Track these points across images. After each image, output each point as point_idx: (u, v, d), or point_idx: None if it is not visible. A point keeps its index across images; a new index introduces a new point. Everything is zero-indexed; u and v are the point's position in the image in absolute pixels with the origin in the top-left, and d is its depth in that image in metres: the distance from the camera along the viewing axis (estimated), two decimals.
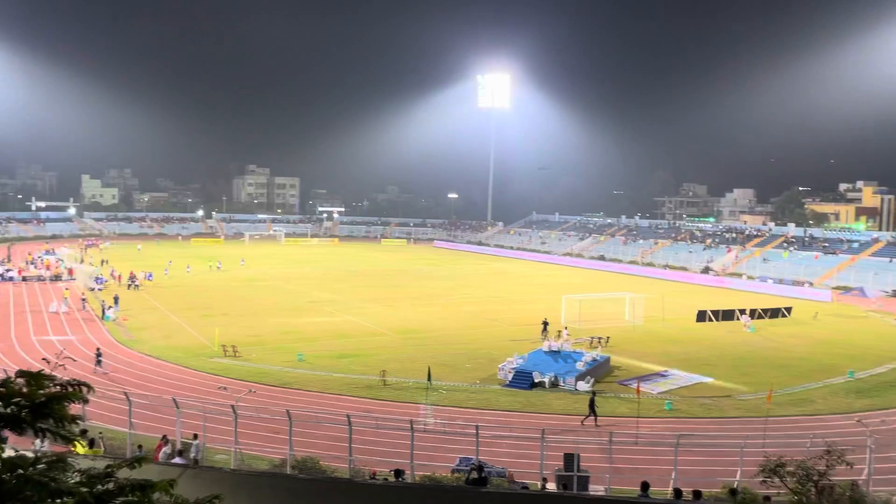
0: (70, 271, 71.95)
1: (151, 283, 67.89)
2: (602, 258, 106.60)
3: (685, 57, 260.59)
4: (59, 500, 5.00)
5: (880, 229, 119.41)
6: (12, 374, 5.61)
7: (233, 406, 22.06)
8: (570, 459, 20.32)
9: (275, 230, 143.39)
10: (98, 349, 36.77)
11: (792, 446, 21.70)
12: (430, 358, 37.57)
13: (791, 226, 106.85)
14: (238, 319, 50.23)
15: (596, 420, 28.02)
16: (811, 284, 76.97)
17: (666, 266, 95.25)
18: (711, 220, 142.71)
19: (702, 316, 53.57)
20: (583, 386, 33.37)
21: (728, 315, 54.03)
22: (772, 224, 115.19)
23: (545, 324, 46.10)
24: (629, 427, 27.09)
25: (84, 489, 5.14)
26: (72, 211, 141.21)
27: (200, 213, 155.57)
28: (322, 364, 37.43)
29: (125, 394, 23.37)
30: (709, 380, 36.04)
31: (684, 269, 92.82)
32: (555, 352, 36.86)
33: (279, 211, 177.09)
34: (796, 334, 49.84)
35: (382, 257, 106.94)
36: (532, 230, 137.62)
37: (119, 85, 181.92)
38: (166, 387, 31.94)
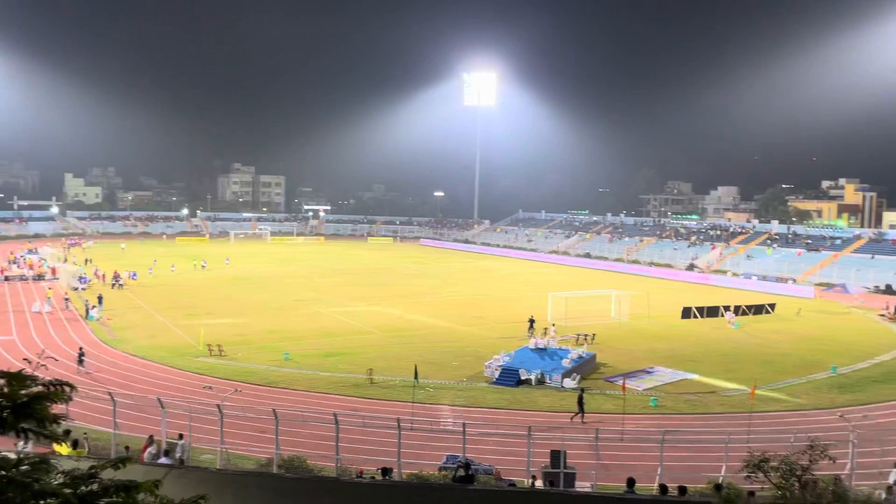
0: (53, 271, 71.27)
1: (136, 283, 67.39)
2: (588, 256, 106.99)
3: (670, 56, 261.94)
4: (42, 502, 4.97)
5: (862, 226, 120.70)
6: None
7: (218, 405, 21.95)
8: (556, 456, 20.39)
9: (260, 229, 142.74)
10: (80, 349, 36.45)
11: (776, 442, 21.92)
12: (416, 356, 37.54)
13: (774, 223, 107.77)
14: (223, 318, 49.96)
15: (583, 417, 28.14)
16: (794, 281, 77.67)
17: (651, 263, 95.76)
18: (696, 217, 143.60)
19: (687, 313, 53.93)
20: (569, 383, 33.49)
21: (713, 312, 54.43)
22: (755, 221, 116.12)
23: (531, 321, 46.22)
24: (615, 423, 27.22)
25: (68, 490, 5.11)
26: (54, 210, 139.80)
27: (185, 211, 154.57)
28: (308, 363, 37.32)
29: (109, 394, 23.20)
30: (694, 376, 36.29)
31: (669, 266, 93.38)
32: (541, 349, 37.02)
33: (264, 209, 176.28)
34: (780, 330, 50.28)
35: (369, 256, 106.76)
36: (518, 228, 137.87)
37: (102, 83, 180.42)
38: (151, 386, 31.73)
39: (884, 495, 19.23)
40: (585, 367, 36.21)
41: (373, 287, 69.04)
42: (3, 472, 4.95)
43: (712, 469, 21.48)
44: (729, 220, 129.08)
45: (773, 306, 57.87)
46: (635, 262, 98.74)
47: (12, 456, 5.31)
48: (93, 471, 5.38)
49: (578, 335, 43.87)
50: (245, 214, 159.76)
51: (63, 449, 18.86)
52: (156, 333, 44.59)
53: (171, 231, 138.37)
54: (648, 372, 36.87)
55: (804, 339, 47.58)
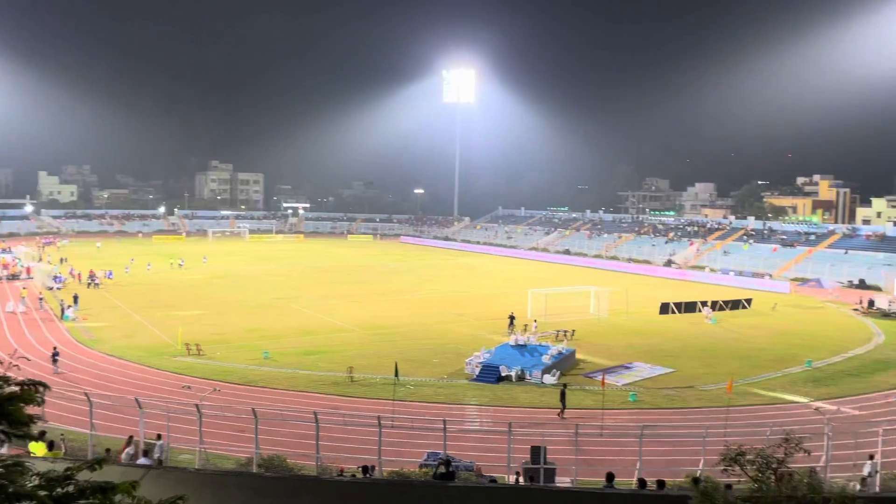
0: (27, 270, 70.22)
1: (112, 282, 66.62)
2: (567, 252, 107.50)
3: (647, 54, 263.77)
4: None
5: (836, 222, 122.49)
6: None
7: (197, 405, 21.78)
8: (536, 452, 20.50)
9: (239, 227, 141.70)
10: (55, 348, 36.00)
11: (752, 435, 22.20)
12: (397, 353, 37.53)
13: (751, 219, 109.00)
14: (201, 317, 49.57)
15: (562, 412, 28.30)
16: (770, 276, 78.64)
17: (629, 259, 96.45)
18: (673, 214, 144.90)
19: (665, 308, 54.41)
20: (549, 379, 33.66)
21: (690, 307, 54.96)
22: (732, 217, 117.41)
23: (512, 318, 46.38)
24: (594, 419, 27.42)
25: (43, 492, 5.05)
26: (28, 208, 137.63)
27: (162, 210, 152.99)
28: (288, 361, 37.15)
29: (86, 394, 22.92)
30: (672, 371, 36.62)
31: (647, 262, 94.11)
32: (521, 346, 37.15)
33: (243, 207, 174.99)
34: (756, 325, 50.90)
35: (348, 253, 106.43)
36: (498, 225, 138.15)
37: (76, 79, 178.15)
38: (128, 387, 31.40)
39: (858, 486, 19.57)
40: (565, 364, 36.40)
41: (353, 285, 68.84)
42: None
43: (690, 463, 21.71)
44: (706, 216, 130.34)
45: (749, 301, 58.58)
46: (614, 258, 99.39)
47: None
48: (68, 472, 5.32)
49: (558, 331, 44.09)
50: (223, 212, 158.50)
51: (39, 450, 18.63)
52: (133, 333, 44.12)
53: (148, 230, 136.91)
54: (627, 367, 37.16)
55: (780, 333, 48.21)
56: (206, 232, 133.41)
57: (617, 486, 17.08)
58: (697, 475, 18.97)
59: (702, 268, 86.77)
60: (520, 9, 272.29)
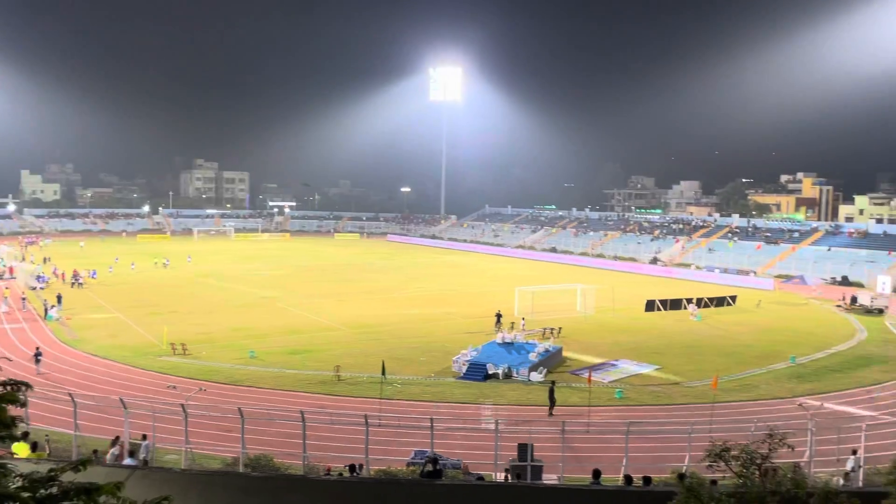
0: (10, 270, 69.46)
1: (96, 281, 66.10)
2: (554, 250, 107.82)
3: (633, 53, 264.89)
4: None
5: (819, 219, 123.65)
6: None
7: (183, 405, 21.65)
8: (523, 449, 20.54)
9: (224, 226, 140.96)
10: (37, 348, 35.66)
11: (737, 431, 22.37)
12: (384, 352, 37.51)
13: (735, 216, 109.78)
14: (187, 317, 49.29)
15: (551, 410, 28.39)
16: (755, 273, 79.25)
17: (615, 257, 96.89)
18: (659, 211, 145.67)
19: (650, 306, 54.69)
20: (536, 376, 33.75)
21: (676, 304, 55.29)
22: (717, 215, 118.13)
23: (499, 316, 46.47)
24: (581, 416, 27.53)
25: (26, 494, 5.01)
26: (11, 207, 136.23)
27: (146, 208, 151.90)
28: (274, 360, 37.00)
29: (70, 395, 22.72)
30: (657, 368, 36.83)
31: (633, 259, 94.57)
32: (508, 343, 37.21)
33: (228, 206, 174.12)
34: (741, 322, 51.28)
35: (335, 252, 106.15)
36: (485, 223, 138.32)
37: (59, 76, 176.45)
38: (113, 387, 31.17)
39: (841, 481, 19.78)
40: (552, 361, 36.51)
41: (339, 283, 68.69)
42: None
43: (676, 459, 21.84)
44: (691, 214, 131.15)
45: (734, 298, 59.00)
46: (600, 255, 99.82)
47: None
48: (52, 474, 5.28)
49: (545, 329, 44.21)
50: (208, 211, 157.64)
51: (22, 451, 18.47)
52: (117, 333, 43.79)
53: (132, 229, 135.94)
54: (613, 364, 37.33)
55: (764, 330, 48.60)
56: (191, 231, 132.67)
57: (603, 483, 17.18)
58: (683, 471, 19.08)
59: (687, 265, 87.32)
60: (506, 7, 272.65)
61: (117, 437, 21.23)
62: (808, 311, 58.15)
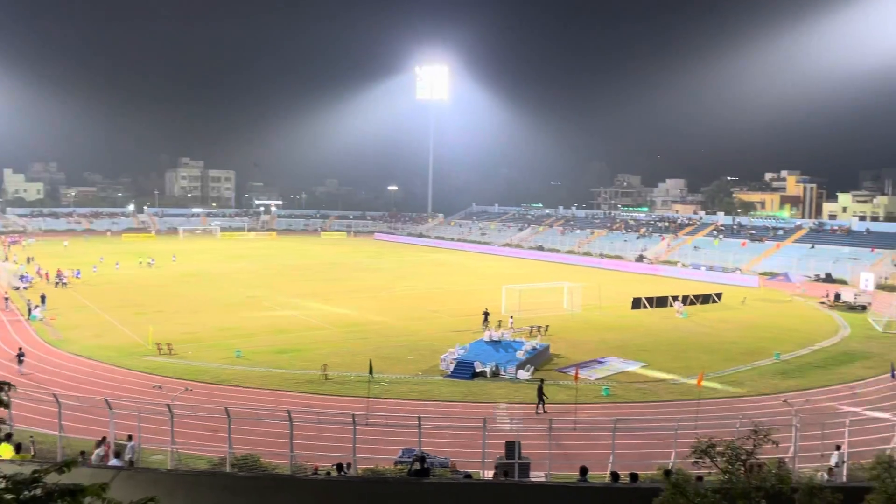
0: None
1: (80, 281, 65.56)
2: (541, 248, 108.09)
3: (619, 52, 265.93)
4: None
5: (803, 216, 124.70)
6: None
7: (168, 405, 21.53)
8: (511, 447, 20.60)
9: (210, 225, 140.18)
10: (20, 349, 35.32)
11: (722, 427, 22.54)
12: (371, 351, 37.46)
13: (720, 214, 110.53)
14: (173, 316, 48.99)
15: (537, 407, 28.46)
16: (740, 271, 79.82)
17: (602, 255, 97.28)
18: (645, 209, 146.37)
19: (637, 303, 54.96)
20: (523, 374, 33.83)
21: (662, 302, 55.59)
22: (702, 213, 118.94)
23: (486, 314, 46.54)
24: (568, 413, 27.64)
25: (9, 496, 4.97)
26: None
27: (131, 207, 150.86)
28: (261, 360, 36.85)
29: (54, 396, 22.53)
30: (644, 365, 37.02)
31: (619, 257, 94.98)
32: (496, 342, 37.27)
33: (214, 205, 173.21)
34: (726, 319, 51.64)
35: (322, 250, 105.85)
36: (472, 221, 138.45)
37: (43, 74, 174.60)
38: (98, 387, 30.94)
39: (826, 476, 19.98)
40: (539, 359, 36.62)
41: (326, 282, 68.52)
42: None
43: (662, 456, 21.98)
44: (677, 211, 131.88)
45: (719, 296, 59.40)
46: (587, 253, 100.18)
47: None
48: (36, 475, 5.24)
49: (532, 327, 44.31)
50: (194, 210, 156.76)
51: (6, 452, 18.31)
52: (102, 333, 43.45)
53: (117, 228, 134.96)
54: (600, 362, 37.48)
55: (749, 327, 48.96)
56: (176, 230, 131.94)
57: (590, 480, 17.26)
58: (669, 467, 19.22)
59: (673, 263, 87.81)
60: (493, 7, 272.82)
61: (104, 438, 21.08)
62: (793, 307, 58.64)
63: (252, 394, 30.96)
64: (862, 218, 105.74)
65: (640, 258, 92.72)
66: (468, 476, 18.90)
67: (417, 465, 17.15)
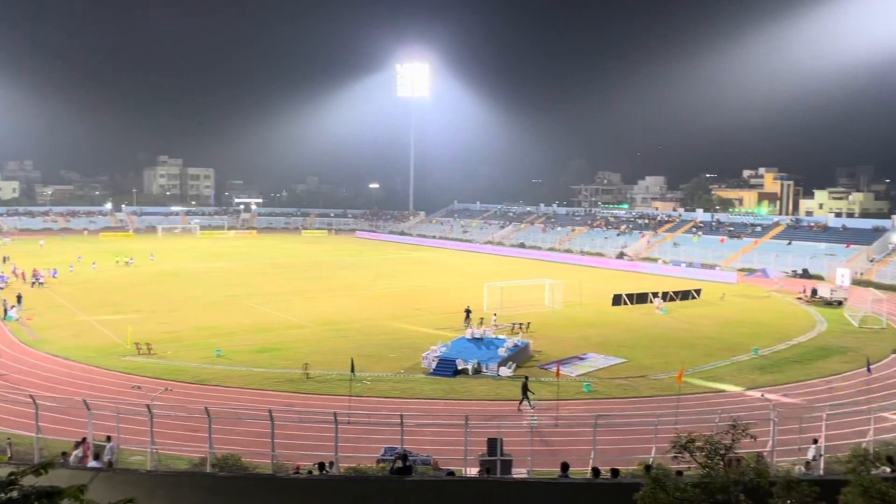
0: None
1: (56, 281, 64.74)
2: (522, 245, 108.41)
3: (598, 50, 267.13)
4: None
5: (780, 213, 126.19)
6: None
7: (148, 405, 21.34)
8: (493, 444, 20.67)
9: (190, 223, 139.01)
10: None
11: (702, 422, 22.77)
12: (353, 349, 37.39)
13: (699, 211, 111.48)
14: (151, 316, 48.54)
15: (521, 404, 28.57)
16: (719, 267, 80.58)
17: (583, 252, 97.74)
18: (625, 207, 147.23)
19: (617, 300, 55.31)
20: (505, 371, 33.94)
21: (642, 298, 55.98)
22: (681, 210, 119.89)
23: (468, 311, 46.61)
24: (550, 410, 27.77)
25: None
26: None
27: (109, 206, 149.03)
28: (241, 359, 36.64)
29: (31, 397, 22.25)
30: (624, 361, 37.27)
31: (600, 254, 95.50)
32: (477, 339, 37.34)
33: (193, 203, 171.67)
34: (705, 315, 52.13)
35: (303, 249, 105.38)
36: (454, 219, 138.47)
37: (17, 70, 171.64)
38: (76, 388, 30.60)
39: (803, 470, 20.27)
40: (521, 356, 36.74)
41: (307, 280, 68.23)
42: None
43: (643, 451, 22.15)
44: (656, 209, 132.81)
45: (698, 292, 59.95)
46: (568, 251, 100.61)
47: None
48: (13, 477, 5.17)
49: (513, 324, 44.44)
50: (173, 208, 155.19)
51: None
52: (80, 333, 42.95)
53: (95, 227, 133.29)
54: (582, 358, 37.69)
55: (728, 322, 49.47)
56: (155, 228, 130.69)
57: (572, 476, 17.35)
58: (649, 463, 19.39)
59: (653, 259, 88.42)
60: (473, 4, 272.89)
61: (83, 439, 20.84)
62: (771, 303, 59.32)
63: (233, 393, 30.78)
64: (838, 214, 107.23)
65: (621, 255, 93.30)
66: (451, 473, 18.94)
67: (400, 463, 17.15)
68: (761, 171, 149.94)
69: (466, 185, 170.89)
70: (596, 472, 18.16)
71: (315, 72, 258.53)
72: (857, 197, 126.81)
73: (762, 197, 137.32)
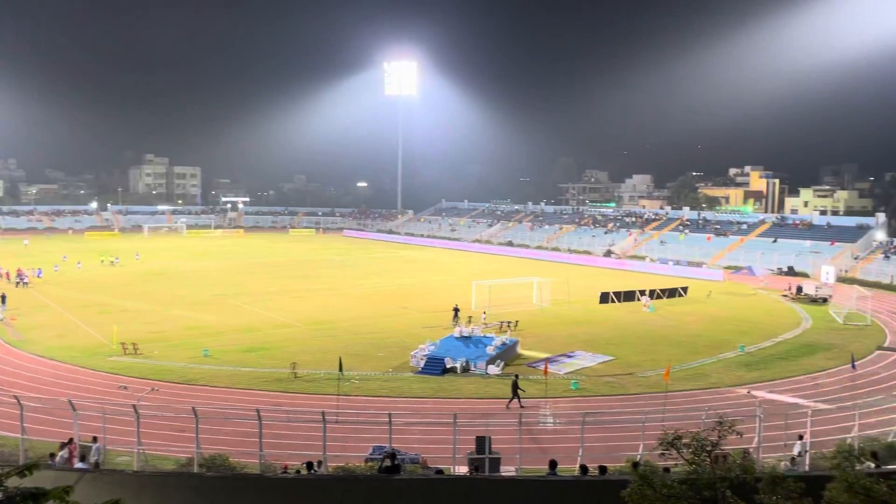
0: None
1: (41, 280, 64.18)
2: (510, 244, 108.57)
3: (585, 49, 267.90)
4: None
5: (766, 211, 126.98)
6: None
7: (134, 406, 21.20)
8: (481, 442, 20.69)
9: (176, 222, 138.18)
10: None
11: (689, 419, 22.89)
12: (341, 348, 37.31)
13: (686, 209, 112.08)
14: (138, 315, 48.22)
15: (510, 402, 28.62)
16: (706, 265, 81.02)
17: (570, 250, 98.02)
18: (612, 205, 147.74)
19: (604, 298, 55.50)
20: (493, 370, 33.99)
21: (629, 296, 56.21)
22: (668, 208, 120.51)
23: (456, 310, 46.62)
24: (538, 408, 27.82)
25: None
26: None
27: (94, 205, 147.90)
28: (229, 359, 36.47)
29: (16, 397, 22.04)
30: (612, 359, 37.41)
31: (588, 252, 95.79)
32: (466, 337, 37.38)
33: (180, 202, 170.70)
34: (692, 312, 52.41)
35: (290, 248, 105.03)
36: (442, 217, 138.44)
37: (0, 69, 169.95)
38: (62, 388, 30.34)
39: (788, 466, 20.43)
40: (509, 354, 36.80)
41: (295, 280, 68.01)
42: None
43: (630, 448, 22.25)
44: (643, 207, 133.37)
45: (685, 290, 60.27)
46: (555, 249, 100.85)
47: None
48: None
49: (502, 322, 44.50)
50: (159, 207, 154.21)
51: None
52: (65, 333, 42.60)
53: (80, 226, 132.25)
54: (569, 356, 37.80)
55: (714, 320, 49.77)
56: (141, 228, 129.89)
57: (560, 473, 17.40)
58: (637, 460, 19.47)
59: (640, 258, 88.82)
60: (460, 3, 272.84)
61: (70, 440, 20.68)
62: (756, 300, 59.72)
63: (220, 393, 30.64)
64: (822, 212, 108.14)
65: (608, 253, 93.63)
66: (439, 472, 18.94)
67: (388, 462, 17.12)
68: (747, 169, 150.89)
69: (454, 183, 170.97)
70: (584, 469, 18.21)
71: (302, 70, 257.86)
72: (841, 195, 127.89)
73: (748, 195, 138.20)
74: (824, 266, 71.23)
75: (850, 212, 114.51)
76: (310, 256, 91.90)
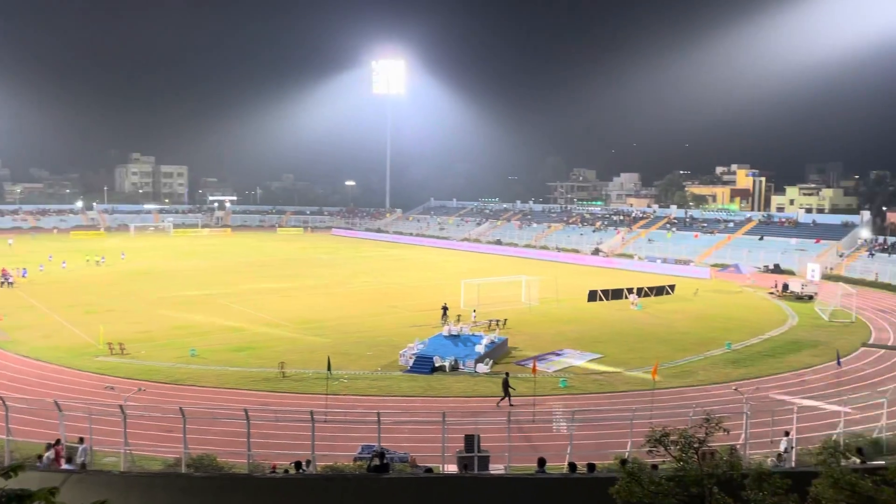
0: None
1: (27, 280, 63.62)
2: (499, 242, 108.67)
3: (573, 48, 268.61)
4: None
5: (752, 209, 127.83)
6: None
7: (121, 406, 21.07)
8: (470, 440, 20.70)
9: (163, 221, 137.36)
10: None
11: (676, 416, 23.02)
12: (329, 347, 37.22)
13: (673, 208, 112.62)
14: (124, 315, 47.90)
15: (501, 401, 28.66)
16: (693, 263, 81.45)
17: (559, 249, 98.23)
18: (600, 203, 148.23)
19: (593, 296, 55.67)
20: (482, 368, 34.02)
21: (617, 294, 56.41)
22: (656, 206, 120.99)
23: (445, 309, 46.62)
24: (526, 405, 27.89)
25: None
26: None
27: (80, 204, 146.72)
28: (217, 358, 36.30)
29: (1, 398, 21.84)
30: (600, 357, 37.55)
31: (576, 251, 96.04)
32: (455, 336, 37.39)
33: (167, 201, 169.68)
34: (679, 310, 52.68)
35: (278, 246, 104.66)
36: (430, 216, 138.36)
37: None
38: (47, 389, 30.10)
39: (775, 462, 20.58)
40: (498, 352, 36.84)
41: (283, 279, 67.78)
42: None
43: (619, 445, 22.34)
44: (631, 205, 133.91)
45: (672, 287, 60.55)
46: (544, 247, 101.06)
47: None
48: None
49: (490, 321, 44.55)
50: (146, 206, 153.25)
51: None
52: (51, 333, 42.25)
53: (65, 225, 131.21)
54: (558, 354, 37.89)
55: (701, 317, 50.05)
56: (127, 227, 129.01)
57: (549, 471, 17.45)
58: (625, 457, 19.56)
59: (628, 256, 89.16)
60: (448, 2, 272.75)
61: (57, 440, 20.52)
62: (743, 298, 60.09)
63: (207, 393, 30.50)
64: (808, 210, 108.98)
65: (596, 251, 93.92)
66: (429, 470, 18.94)
67: (377, 461, 17.10)
68: (734, 167, 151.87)
69: (443, 182, 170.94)
70: (572, 467, 18.28)
71: (290, 69, 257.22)
72: (827, 193, 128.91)
73: (735, 193, 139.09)
74: (810, 264, 71.78)
75: (835, 210, 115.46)
76: (298, 255, 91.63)
